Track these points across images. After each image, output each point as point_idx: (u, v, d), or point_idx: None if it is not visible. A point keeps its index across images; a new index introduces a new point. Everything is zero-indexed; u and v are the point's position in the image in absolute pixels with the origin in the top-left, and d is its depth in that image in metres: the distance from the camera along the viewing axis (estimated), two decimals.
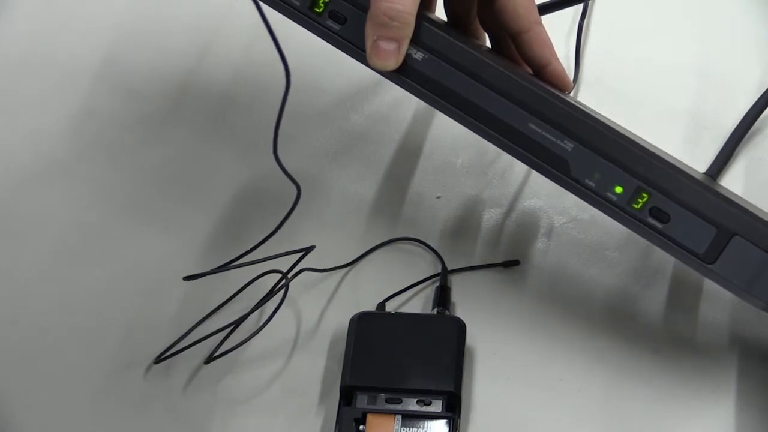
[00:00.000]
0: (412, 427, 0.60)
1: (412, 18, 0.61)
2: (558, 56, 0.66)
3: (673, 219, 0.59)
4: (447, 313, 0.66)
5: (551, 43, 0.66)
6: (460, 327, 0.64)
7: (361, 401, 0.62)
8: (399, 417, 0.61)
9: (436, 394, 0.61)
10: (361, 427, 0.61)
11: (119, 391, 0.65)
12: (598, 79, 0.78)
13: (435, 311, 0.66)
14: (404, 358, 0.63)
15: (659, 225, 0.59)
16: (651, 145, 0.63)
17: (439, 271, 0.68)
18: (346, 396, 0.62)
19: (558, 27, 0.78)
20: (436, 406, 0.61)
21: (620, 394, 0.64)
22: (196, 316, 0.67)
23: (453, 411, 0.61)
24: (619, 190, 0.60)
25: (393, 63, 0.62)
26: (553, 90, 0.62)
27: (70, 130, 0.77)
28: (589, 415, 0.63)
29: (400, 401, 0.61)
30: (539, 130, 0.60)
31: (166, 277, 0.69)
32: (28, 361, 0.67)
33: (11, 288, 0.70)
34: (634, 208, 0.59)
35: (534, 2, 0.66)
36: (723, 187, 0.69)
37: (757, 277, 0.58)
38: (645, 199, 0.59)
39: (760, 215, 0.59)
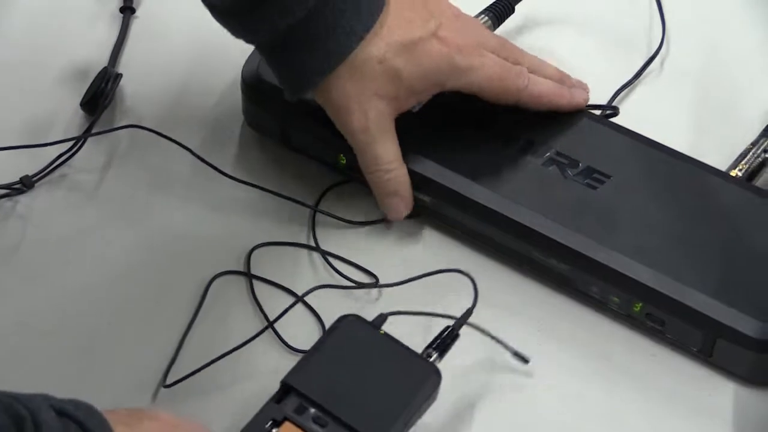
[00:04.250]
0: None
1: (395, 174, 0.69)
2: (558, 93, 0.71)
3: (666, 323, 0.64)
4: (434, 359, 0.61)
5: (547, 91, 0.71)
6: (431, 379, 0.59)
7: (290, 405, 0.58)
8: None
9: None
10: (274, 429, 0.57)
11: (124, 396, 0.65)
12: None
13: (426, 351, 0.61)
14: (359, 384, 0.59)
15: (658, 327, 0.65)
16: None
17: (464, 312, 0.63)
18: (282, 392, 0.58)
19: None
20: None
21: (620, 394, 0.64)
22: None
23: None
24: (616, 300, 0.66)
25: (405, 210, 0.70)
26: (546, 215, 0.67)
27: (69, 131, 0.78)
28: (589, 416, 0.63)
29: (325, 425, 0.57)
30: (541, 257, 0.67)
31: (166, 280, 0.70)
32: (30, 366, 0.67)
33: (12, 291, 0.70)
34: (634, 311, 0.65)
35: (510, 76, 0.70)
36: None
37: (752, 369, 0.62)
38: (639, 307, 0.65)
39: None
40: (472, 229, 0.70)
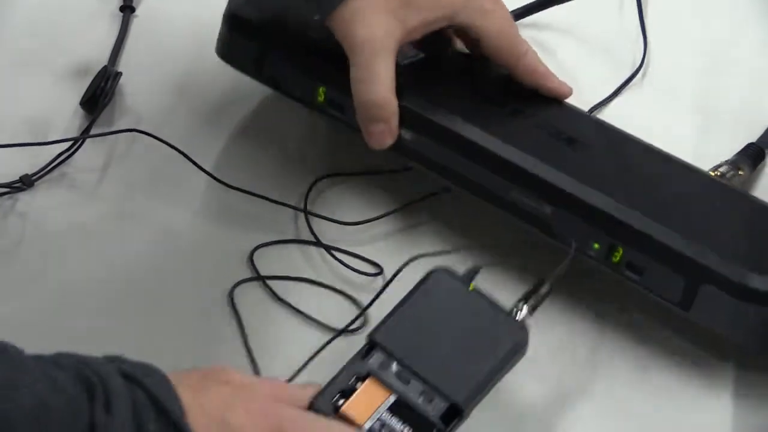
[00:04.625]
0: (397, 416, 0.56)
1: (389, 98, 0.66)
2: (549, 75, 0.71)
3: (646, 271, 0.63)
4: (524, 314, 0.60)
5: (541, 68, 0.71)
6: (518, 339, 0.59)
7: (375, 361, 0.57)
8: (393, 398, 0.56)
9: (443, 397, 0.56)
10: (358, 383, 0.57)
11: None
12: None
13: (516, 305, 0.60)
14: (444, 342, 0.58)
15: (636, 277, 0.63)
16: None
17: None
18: (368, 347, 0.58)
19: None
20: (435, 409, 0.56)
21: (619, 394, 0.64)
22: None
23: (447, 424, 0.57)
24: (596, 246, 0.64)
25: (389, 140, 0.67)
26: (531, 156, 0.66)
27: (69, 130, 0.79)
28: (588, 416, 0.63)
29: (408, 382, 0.57)
30: (520, 197, 0.66)
31: (166, 279, 0.71)
32: None
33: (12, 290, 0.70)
34: (613, 262, 0.64)
35: (516, 37, 0.70)
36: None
37: (731, 321, 0.61)
38: (620, 254, 0.63)
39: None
40: (452, 169, 0.68)
